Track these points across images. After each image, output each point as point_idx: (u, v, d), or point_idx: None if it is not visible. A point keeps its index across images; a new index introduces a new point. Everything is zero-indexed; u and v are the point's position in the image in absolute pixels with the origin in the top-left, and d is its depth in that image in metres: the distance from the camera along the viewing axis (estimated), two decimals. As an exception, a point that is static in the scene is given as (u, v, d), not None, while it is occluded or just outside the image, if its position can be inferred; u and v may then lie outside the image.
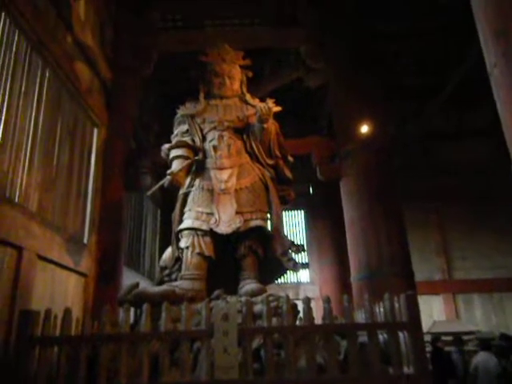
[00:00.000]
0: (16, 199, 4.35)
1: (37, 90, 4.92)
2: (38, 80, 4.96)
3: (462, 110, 10.57)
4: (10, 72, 4.42)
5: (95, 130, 6.55)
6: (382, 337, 3.45)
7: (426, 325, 7.99)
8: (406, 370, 3.21)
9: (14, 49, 4.52)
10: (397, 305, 3.42)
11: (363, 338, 3.36)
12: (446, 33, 7.24)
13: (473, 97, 9.25)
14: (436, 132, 10.92)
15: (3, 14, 4.35)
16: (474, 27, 2.84)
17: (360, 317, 4.04)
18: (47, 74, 5.18)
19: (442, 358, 6.05)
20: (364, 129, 6.78)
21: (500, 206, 11.01)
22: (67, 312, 3.48)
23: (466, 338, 8.20)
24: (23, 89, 4.63)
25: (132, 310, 4.03)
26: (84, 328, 3.43)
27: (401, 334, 3.32)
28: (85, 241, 5.93)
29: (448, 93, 8.14)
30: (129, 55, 7.17)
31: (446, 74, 7.85)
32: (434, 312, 10.68)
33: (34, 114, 4.82)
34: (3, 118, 4.25)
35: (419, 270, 8.29)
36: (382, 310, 3.55)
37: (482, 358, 5.70)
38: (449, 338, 7.91)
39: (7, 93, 4.34)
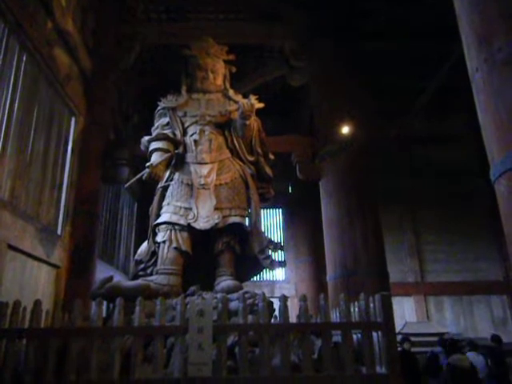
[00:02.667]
0: (-13, 187, 4.21)
1: (13, 75, 4.76)
2: (14, 64, 4.80)
3: (442, 115, 10.77)
4: (-15, 54, 4.27)
5: (73, 119, 6.39)
6: (355, 336, 3.48)
7: (397, 326, 8.12)
8: (378, 369, 3.24)
9: (-10, 31, 4.36)
10: (372, 305, 3.44)
11: (338, 337, 3.37)
12: (431, 36, 7.33)
13: (454, 101, 9.43)
14: (414, 135, 11.10)
15: (-21, -7, 4.19)
16: (457, 32, 2.88)
17: (335, 316, 4.06)
18: (24, 59, 5.02)
19: (409, 359, 6.13)
20: (345, 129, 6.83)
21: (474, 211, 11.28)
22: (37, 304, 3.37)
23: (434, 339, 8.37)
24: (-2, 72, 4.47)
25: (105, 303, 3.95)
26: (54, 321, 3.33)
27: (374, 334, 3.35)
28: (58, 232, 5.79)
29: (429, 96, 8.27)
30: (110, 44, 7.03)
31: (428, 78, 7.97)
32: (405, 313, 10.86)
33: (8, 98, 4.66)
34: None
35: (393, 272, 8.40)
36: (356, 309, 3.57)
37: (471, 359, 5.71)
38: (421, 339, 8.05)
39: (-19, 76, 4.19)
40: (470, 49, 2.75)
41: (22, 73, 4.95)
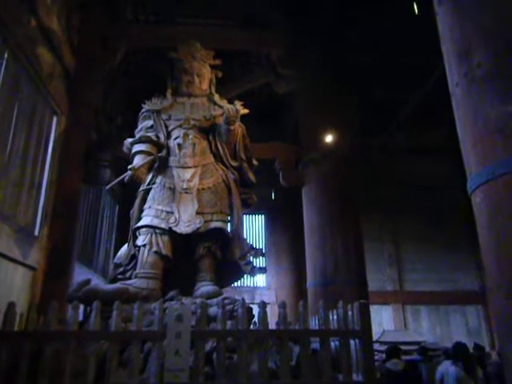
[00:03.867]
0: (-38, 185, 4.10)
1: (-6, 72, 4.68)
2: (-5, 61, 4.72)
3: (425, 127, 10.98)
4: (-34, 50, 4.18)
5: (54, 118, 6.29)
6: (333, 344, 3.49)
7: (375, 334, 8.19)
8: (355, 377, 3.25)
9: (-29, 26, 4.28)
10: (350, 313, 3.47)
11: (316, 344, 3.38)
12: (416, 49, 7.48)
13: (436, 115, 9.62)
14: (397, 146, 11.28)
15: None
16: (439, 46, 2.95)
17: (314, 323, 4.07)
18: (6, 56, 4.93)
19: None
20: (328, 138, 6.91)
21: (451, 222, 11.51)
22: (10, 306, 3.29)
23: (409, 348, 8.46)
24: (-21, 69, 4.38)
25: (82, 307, 3.87)
26: (28, 324, 3.26)
27: (352, 342, 3.37)
28: (36, 233, 5.67)
29: (411, 109, 8.43)
30: (95, 44, 6.97)
31: (412, 91, 8.12)
32: (383, 321, 10.98)
33: (-12, 96, 4.57)
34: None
35: (372, 280, 8.50)
36: (335, 317, 3.59)
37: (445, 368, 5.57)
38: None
39: (-40, 71, 4.10)
40: (451, 64, 2.82)
41: (3, 70, 4.86)
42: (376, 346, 7.51)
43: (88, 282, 4.25)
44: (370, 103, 9.09)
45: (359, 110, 7.84)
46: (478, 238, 2.74)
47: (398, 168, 11.65)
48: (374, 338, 5.77)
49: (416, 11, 7.28)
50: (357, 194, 7.26)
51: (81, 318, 3.78)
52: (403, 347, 8.09)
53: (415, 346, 8.35)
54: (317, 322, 3.71)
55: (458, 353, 4.90)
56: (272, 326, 3.49)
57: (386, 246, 11.98)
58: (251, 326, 3.65)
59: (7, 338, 3.18)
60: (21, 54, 5.20)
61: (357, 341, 3.34)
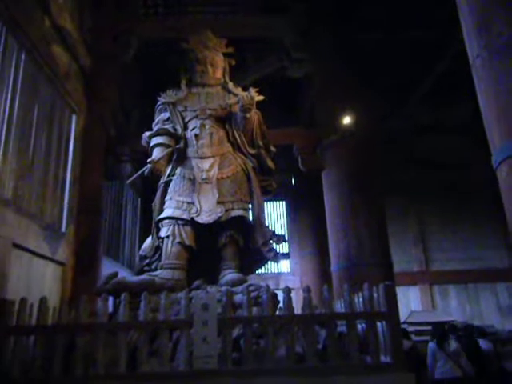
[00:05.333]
0: (-10, 186, 4.23)
1: (12, 74, 4.77)
2: (13, 63, 4.80)
3: (445, 104, 10.70)
4: (-16, 54, 4.27)
5: (73, 117, 6.40)
6: (360, 326, 3.49)
7: (403, 315, 8.14)
8: (383, 358, 3.25)
9: (-12, 30, 4.36)
10: (375, 295, 3.45)
11: (342, 327, 3.39)
12: (432, 24, 7.26)
13: (456, 91, 9.36)
14: (418, 125, 11.04)
15: (-24, -8, 4.18)
16: (456, 19, 2.86)
17: (339, 306, 4.07)
18: (23, 57, 5.02)
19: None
20: (346, 120, 6.81)
21: (477, 200, 11.25)
22: (43, 301, 3.41)
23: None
24: (-3, 72, 4.48)
25: (111, 299, 3.98)
26: (60, 317, 3.37)
27: (379, 324, 3.36)
28: (63, 229, 5.82)
29: (429, 85, 8.21)
30: (108, 40, 7.01)
31: (430, 67, 7.91)
32: (411, 302, 10.90)
33: (8, 98, 4.67)
34: (-24, 101, 4.11)
35: (397, 261, 8.42)
36: (360, 299, 3.58)
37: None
38: (426, 328, 8.07)
39: (-20, 75, 4.19)
40: (470, 36, 2.73)
41: (21, 71, 4.95)
42: (405, 327, 7.49)
43: (115, 274, 4.35)
44: (387, 82, 8.89)
45: (376, 89, 7.67)
46: (505, 214, 2.68)
47: (420, 147, 11.42)
48: (402, 319, 5.78)
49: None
50: (378, 175, 7.16)
51: (110, 309, 3.88)
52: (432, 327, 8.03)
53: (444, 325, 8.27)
54: (342, 305, 3.71)
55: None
56: (297, 310, 3.51)
57: (411, 226, 11.82)
58: (277, 312, 3.68)
59: (42, 332, 3.31)
60: (37, 55, 5.28)
61: (384, 322, 3.33)
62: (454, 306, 11.13)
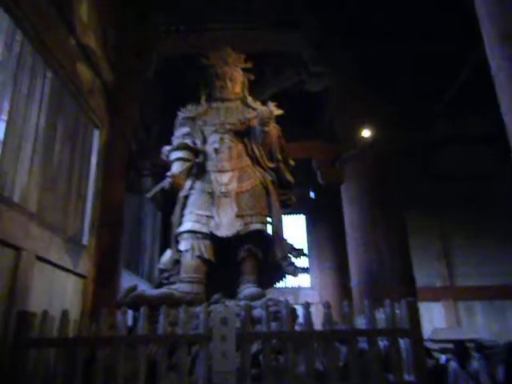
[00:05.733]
0: (16, 199, 4.33)
1: (39, 91, 4.91)
2: (39, 81, 4.95)
3: (467, 115, 10.54)
4: (13, 73, 4.42)
5: (96, 132, 6.54)
6: (382, 343, 3.41)
7: (426, 332, 7.93)
8: (406, 377, 3.16)
9: (16, 50, 4.51)
10: (398, 311, 3.38)
11: (363, 344, 3.31)
12: (450, 35, 7.20)
13: (478, 101, 9.22)
14: (439, 137, 10.88)
15: (7, 15, 4.34)
16: (476, 29, 2.82)
17: (360, 323, 4.00)
18: (49, 75, 5.18)
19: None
20: (366, 133, 6.77)
21: (503, 213, 10.96)
22: (64, 314, 3.45)
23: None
24: (25, 89, 4.62)
25: (130, 312, 4.00)
26: (81, 330, 3.40)
27: (401, 341, 3.28)
28: (84, 242, 5.90)
29: (450, 97, 8.11)
30: (131, 57, 7.18)
31: (450, 78, 7.83)
32: (434, 319, 10.60)
33: (35, 114, 4.80)
34: (5, 118, 4.24)
35: (420, 276, 8.23)
36: (382, 316, 3.51)
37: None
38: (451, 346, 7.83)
39: (9, 93, 4.33)
40: (492, 46, 2.69)
41: (47, 88, 5.09)
42: (428, 345, 7.29)
43: (135, 287, 4.37)
44: (406, 94, 8.82)
45: (396, 102, 7.62)
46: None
47: (441, 160, 11.24)
48: (425, 336, 5.64)
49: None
50: (399, 189, 7.07)
51: (130, 322, 3.89)
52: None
53: (469, 343, 8.02)
54: (363, 321, 3.64)
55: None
56: (317, 326, 3.45)
57: (434, 241, 11.56)
58: (296, 327, 3.63)
59: (63, 344, 3.34)
60: (62, 73, 5.43)
61: (406, 340, 3.25)
62: (480, 323, 10.78)
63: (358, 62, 7.01)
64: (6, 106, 4.27)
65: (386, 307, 3.45)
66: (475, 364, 5.36)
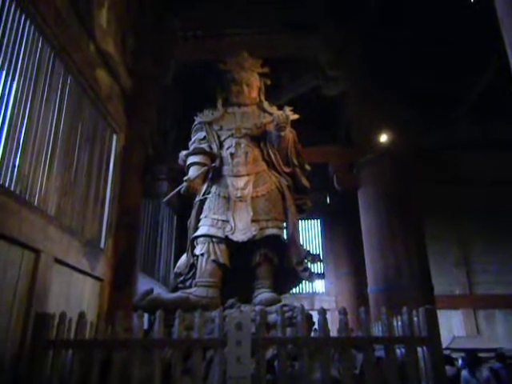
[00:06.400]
0: (35, 203, 4.42)
1: (58, 96, 5.02)
2: (59, 86, 5.06)
3: (487, 120, 10.34)
4: (33, 78, 4.52)
5: (114, 136, 6.63)
6: (399, 351, 3.35)
7: (445, 340, 7.76)
8: (424, 386, 3.10)
9: (37, 55, 4.62)
10: (415, 319, 3.32)
11: (380, 352, 3.26)
12: (470, 40, 7.10)
13: (498, 106, 9.05)
14: (460, 142, 10.70)
15: (28, 21, 4.45)
16: (498, 34, 2.77)
17: (377, 330, 3.94)
18: (69, 81, 5.28)
19: None
20: (383, 138, 6.70)
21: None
22: (81, 316, 3.49)
23: (487, 355, 7.95)
24: (45, 95, 4.72)
25: (146, 316, 4.02)
26: (97, 332, 3.43)
27: (419, 349, 3.22)
28: (101, 245, 5.98)
29: (471, 102, 7.98)
30: (149, 63, 7.28)
31: (470, 83, 7.71)
32: (453, 327, 10.37)
33: (54, 119, 4.90)
34: (25, 122, 4.33)
35: (438, 284, 8.07)
36: (399, 323, 3.45)
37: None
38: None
39: (30, 98, 4.43)
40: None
41: (66, 94, 5.20)
42: (448, 353, 7.15)
43: (151, 291, 4.39)
44: (426, 99, 8.72)
45: (415, 106, 7.53)
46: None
47: (461, 164, 11.01)
48: (444, 345, 5.56)
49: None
50: (416, 194, 6.96)
51: (145, 326, 3.91)
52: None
53: (489, 353, 7.83)
54: (380, 328, 3.58)
55: (466, 359, 5.85)
56: (333, 332, 3.41)
57: (453, 248, 11.32)
58: (312, 333, 3.60)
59: (80, 346, 3.37)
60: (82, 78, 5.54)
61: (424, 348, 3.19)
62: (501, 333, 10.50)
63: (376, 66, 6.94)
64: (26, 110, 4.37)
65: (403, 314, 3.39)
66: (485, 373, 5.46)
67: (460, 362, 6.62)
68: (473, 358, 5.68)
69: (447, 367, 5.16)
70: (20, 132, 4.25)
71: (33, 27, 4.54)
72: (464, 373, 5.57)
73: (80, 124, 5.53)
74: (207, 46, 7.48)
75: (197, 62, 7.57)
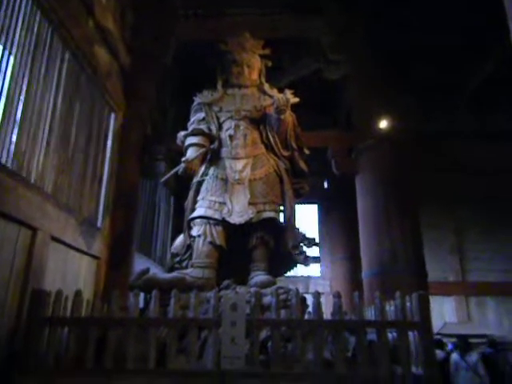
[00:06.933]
0: (32, 180, 4.39)
1: (56, 73, 4.94)
2: (57, 62, 4.98)
3: (486, 110, 10.30)
4: (31, 53, 4.44)
5: (112, 115, 6.56)
6: (391, 335, 3.40)
7: (436, 326, 7.87)
8: (414, 370, 3.16)
9: (35, 30, 4.53)
10: (408, 304, 3.36)
11: (372, 335, 3.31)
12: (475, 27, 7.01)
13: (499, 97, 9.01)
14: (458, 131, 10.68)
15: (26, -6, 4.35)
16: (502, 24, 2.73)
17: (370, 314, 3.99)
18: (67, 57, 5.20)
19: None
20: (383, 124, 6.67)
21: (518, 209, 10.75)
22: (78, 294, 3.51)
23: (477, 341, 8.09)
24: (43, 71, 4.65)
25: (142, 295, 4.05)
26: (93, 310, 3.46)
27: (411, 334, 3.27)
28: (98, 224, 5.98)
29: (471, 90, 7.93)
30: (149, 41, 7.16)
31: (471, 71, 7.64)
32: (445, 313, 10.53)
33: (52, 95, 4.84)
34: (23, 98, 4.27)
35: (432, 270, 8.14)
36: (392, 308, 3.49)
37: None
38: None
39: (27, 74, 4.36)
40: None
41: (64, 70, 5.12)
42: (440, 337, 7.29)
43: (147, 270, 4.43)
44: (426, 86, 8.65)
45: (414, 93, 7.48)
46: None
47: (458, 153, 11.01)
48: (435, 330, 5.68)
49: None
50: (414, 181, 6.96)
51: (141, 305, 3.95)
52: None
53: (480, 339, 7.97)
54: (373, 312, 3.63)
55: (457, 343, 6.17)
56: (327, 316, 3.46)
57: (447, 235, 11.41)
58: (305, 316, 3.65)
59: (76, 324, 3.40)
60: (80, 55, 5.45)
61: (416, 333, 3.23)
62: (491, 319, 10.67)
63: (379, 51, 6.86)
64: (24, 85, 4.31)
65: (396, 299, 3.43)
66: (474, 356, 5.75)
67: (450, 346, 6.76)
68: (463, 343, 5.90)
69: (437, 351, 5.32)
70: (17, 108, 4.20)
71: (30, 1, 4.44)
72: (454, 355, 5.87)
73: (78, 101, 5.46)
74: (208, 25, 7.35)
75: (197, 41, 7.45)
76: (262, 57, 5.53)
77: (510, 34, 2.64)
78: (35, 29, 4.53)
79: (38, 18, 4.58)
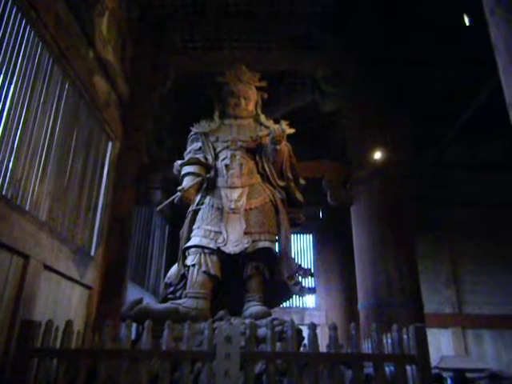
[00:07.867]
0: (27, 207, 4.37)
1: (55, 102, 5.00)
2: (57, 92, 5.05)
3: (481, 142, 10.48)
4: (31, 82, 4.51)
5: (109, 144, 6.61)
6: (388, 369, 3.33)
7: (433, 359, 7.73)
8: (412, 405, 3.08)
9: (36, 60, 4.62)
10: (405, 336, 3.31)
11: (369, 369, 3.24)
12: (464, 62, 7.23)
13: (492, 128, 9.18)
14: (452, 162, 10.83)
15: (28, 26, 4.46)
16: (492, 56, 2.81)
17: (367, 347, 3.92)
18: (66, 87, 5.28)
19: None
20: (378, 155, 6.75)
21: (515, 241, 10.78)
22: (68, 324, 3.43)
23: (474, 375, 7.93)
24: (42, 99, 4.70)
25: (134, 326, 3.97)
26: (84, 342, 3.38)
27: (408, 368, 3.21)
28: (92, 253, 5.91)
29: (464, 122, 8.09)
30: (147, 72, 7.30)
31: (464, 103, 7.82)
32: (442, 346, 10.37)
33: (50, 124, 4.88)
34: (20, 126, 4.31)
35: (428, 302, 8.10)
36: (389, 340, 3.44)
37: None
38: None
39: (26, 102, 4.41)
40: (507, 75, 2.67)
41: (63, 100, 5.19)
42: (438, 372, 7.14)
43: (140, 301, 4.35)
44: (421, 118, 8.82)
45: (410, 125, 7.61)
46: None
47: (454, 185, 11.13)
48: (433, 363, 5.57)
49: (466, 23, 7.06)
50: (409, 212, 7.00)
51: (133, 336, 3.86)
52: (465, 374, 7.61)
53: (478, 373, 7.82)
54: (370, 345, 3.56)
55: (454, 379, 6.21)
56: (322, 348, 3.39)
57: (444, 267, 11.38)
58: (301, 349, 3.58)
59: (65, 355, 3.31)
60: (80, 85, 5.53)
61: (413, 366, 3.17)
62: (489, 353, 10.51)
63: (372, 83, 7.03)
64: (22, 114, 4.35)
65: (393, 332, 3.38)
66: None
67: (449, 381, 6.63)
68: (461, 378, 5.78)
69: None
70: (15, 135, 4.22)
71: (33, 32, 4.55)
72: None
73: (75, 130, 5.51)
74: (206, 58, 7.54)
75: (195, 73, 7.61)
76: (259, 89, 5.66)
77: (503, 86, 2.71)
78: (36, 59, 4.62)
79: (39, 49, 4.67)
